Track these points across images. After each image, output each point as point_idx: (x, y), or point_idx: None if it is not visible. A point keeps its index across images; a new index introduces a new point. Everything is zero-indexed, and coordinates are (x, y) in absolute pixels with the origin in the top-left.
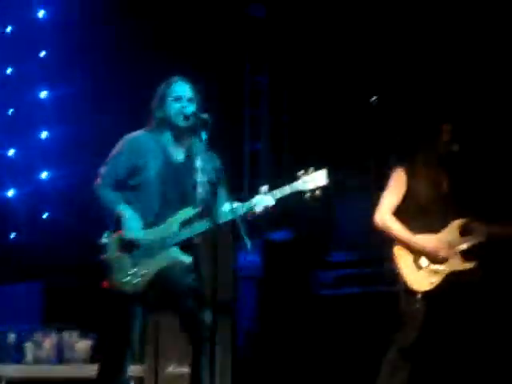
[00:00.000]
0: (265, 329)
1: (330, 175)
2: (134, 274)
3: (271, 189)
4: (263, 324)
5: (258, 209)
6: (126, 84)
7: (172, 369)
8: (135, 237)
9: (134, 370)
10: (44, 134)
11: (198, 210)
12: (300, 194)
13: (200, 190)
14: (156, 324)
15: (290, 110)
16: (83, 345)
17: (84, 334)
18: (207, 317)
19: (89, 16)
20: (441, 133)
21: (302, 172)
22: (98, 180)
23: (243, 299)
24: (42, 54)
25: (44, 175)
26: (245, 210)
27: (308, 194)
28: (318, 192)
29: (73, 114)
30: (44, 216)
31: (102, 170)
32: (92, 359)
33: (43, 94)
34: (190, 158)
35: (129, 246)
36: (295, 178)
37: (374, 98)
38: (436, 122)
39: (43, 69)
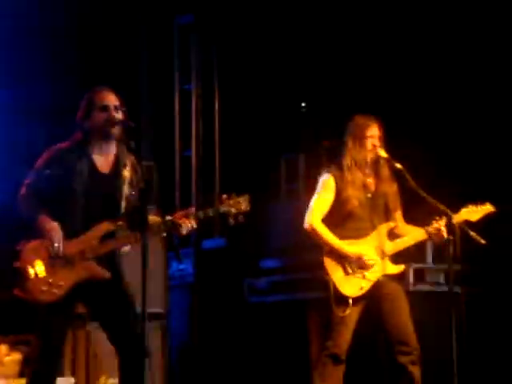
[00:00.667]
0: (198, 338)
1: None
2: (51, 284)
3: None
4: (196, 333)
5: (183, 230)
6: (56, 93)
7: (103, 380)
8: (57, 247)
9: (65, 382)
10: None
11: (119, 223)
12: (223, 216)
13: (124, 202)
14: (87, 335)
15: (221, 116)
16: (12, 359)
17: (13, 348)
18: (134, 328)
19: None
20: (365, 137)
21: (226, 196)
22: (23, 189)
23: (175, 309)
24: None
25: None
26: (170, 226)
27: (231, 218)
28: (240, 217)
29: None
30: None
31: (27, 180)
32: (21, 373)
33: None
34: (116, 168)
35: (48, 255)
36: (219, 202)
37: (303, 104)
38: (360, 126)
39: None
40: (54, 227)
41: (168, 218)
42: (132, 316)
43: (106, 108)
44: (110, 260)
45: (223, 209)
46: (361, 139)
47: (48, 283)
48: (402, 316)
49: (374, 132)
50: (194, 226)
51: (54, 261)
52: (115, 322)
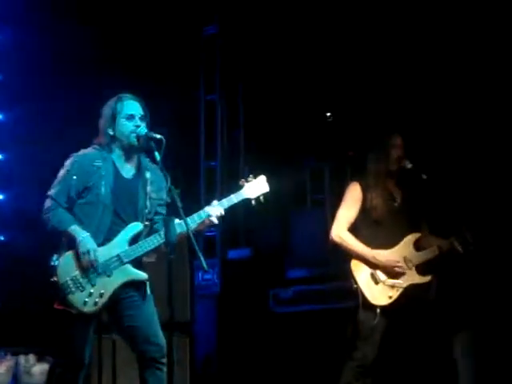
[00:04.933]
0: (224, 347)
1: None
2: (92, 295)
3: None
4: (222, 343)
5: (211, 219)
6: (83, 104)
7: None
8: (93, 257)
9: None
10: None
11: (147, 224)
12: (246, 201)
13: (149, 204)
14: (113, 344)
15: (246, 126)
16: (40, 369)
17: (41, 358)
18: (159, 338)
19: (44, 38)
20: (389, 147)
21: (243, 180)
22: (48, 202)
23: (201, 318)
24: None
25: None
26: (196, 221)
27: (253, 201)
28: (262, 198)
29: (28, 136)
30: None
31: (51, 191)
32: (49, 383)
33: None
34: (139, 174)
35: (85, 265)
36: (238, 188)
37: (329, 114)
38: (384, 137)
39: None
40: (86, 237)
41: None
42: (155, 326)
43: (131, 117)
44: (141, 263)
45: (245, 193)
46: (385, 150)
47: (89, 294)
48: None
49: (396, 142)
50: (222, 212)
51: (90, 270)
52: (138, 331)
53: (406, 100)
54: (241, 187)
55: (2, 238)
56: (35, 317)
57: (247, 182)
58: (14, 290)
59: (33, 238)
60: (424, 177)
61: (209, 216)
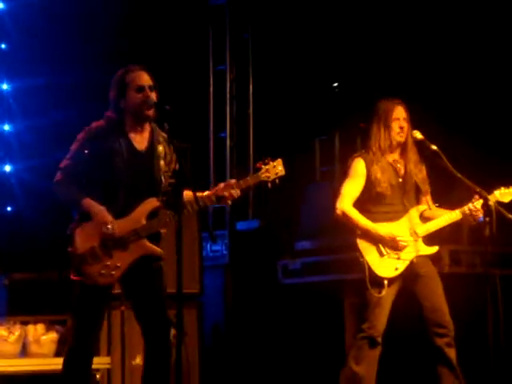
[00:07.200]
0: (232, 319)
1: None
2: (109, 267)
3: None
4: (230, 314)
5: (225, 200)
6: (90, 74)
7: (139, 360)
8: (112, 229)
9: (100, 361)
10: (7, 127)
11: (163, 199)
12: (262, 183)
13: (163, 178)
14: (122, 315)
15: (255, 97)
16: (49, 338)
17: (50, 328)
18: (165, 316)
19: (51, 7)
20: (391, 120)
21: (261, 162)
22: (59, 175)
23: (209, 289)
24: (3, 46)
25: (7, 168)
26: (212, 199)
27: (269, 184)
28: (277, 181)
29: (36, 106)
30: (8, 209)
31: (63, 163)
32: (58, 353)
33: (5, 87)
34: (151, 145)
35: (104, 237)
36: (256, 170)
37: (336, 84)
38: (386, 109)
39: (4, 61)
40: (103, 209)
41: (207, 192)
42: (162, 301)
43: (141, 89)
44: (157, 237)
45: (262, 175)
46: (386, 122)
47: (106, 266)
48: (437, 298)
49: (399, 114)
50: (239, 193)
51: (108, 243)
52: (146, 303)
53: (414, 68)
54: (258, 169)
55: (10, 209)
56: (44, 286)
57: (264, 164)
58: (22, 260)
59: (41, 209)
60: (434, 148)
61: (223, 197)
